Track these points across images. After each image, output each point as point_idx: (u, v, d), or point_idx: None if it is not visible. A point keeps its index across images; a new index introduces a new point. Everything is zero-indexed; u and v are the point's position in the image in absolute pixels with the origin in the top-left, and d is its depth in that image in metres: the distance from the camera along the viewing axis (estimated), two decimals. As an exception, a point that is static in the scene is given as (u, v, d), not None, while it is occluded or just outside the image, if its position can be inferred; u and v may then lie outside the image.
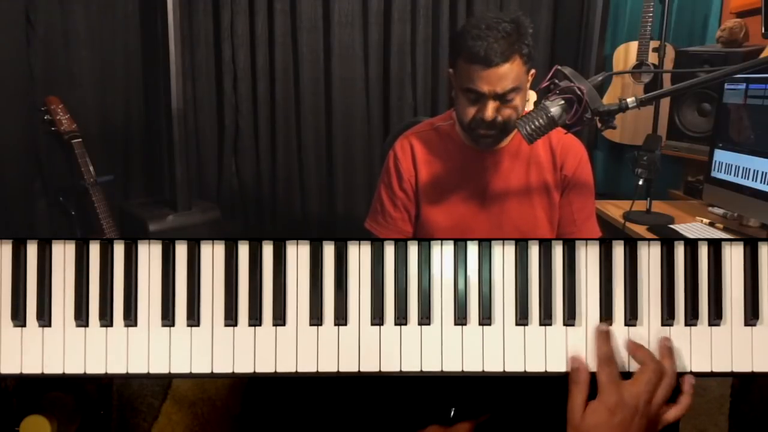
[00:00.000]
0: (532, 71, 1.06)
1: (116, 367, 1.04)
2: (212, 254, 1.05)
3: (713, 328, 1.06)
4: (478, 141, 1.09)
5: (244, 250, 1.05)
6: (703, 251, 1.07)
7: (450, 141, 1.11)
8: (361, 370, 1.05)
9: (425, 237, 1.10)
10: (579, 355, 1.03)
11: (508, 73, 1.03)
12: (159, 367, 1.04)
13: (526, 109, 1.10)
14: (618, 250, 1.07)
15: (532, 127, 1.01)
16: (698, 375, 1.07)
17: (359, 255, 1.06)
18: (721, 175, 1.14)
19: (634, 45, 1.16)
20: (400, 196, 1.10)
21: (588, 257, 1.07)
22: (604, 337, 1.02)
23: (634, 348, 1.02)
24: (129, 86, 1.05)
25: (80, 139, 1.08)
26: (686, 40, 1.16)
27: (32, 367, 1.03)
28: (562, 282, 1.06)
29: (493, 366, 1.05)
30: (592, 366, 1.02)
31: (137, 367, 1.04)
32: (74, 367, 1.03)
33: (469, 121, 1.07)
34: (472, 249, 1.07)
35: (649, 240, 1.08)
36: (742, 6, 1.13)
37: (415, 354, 1.05)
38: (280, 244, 1.05)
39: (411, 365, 1.05)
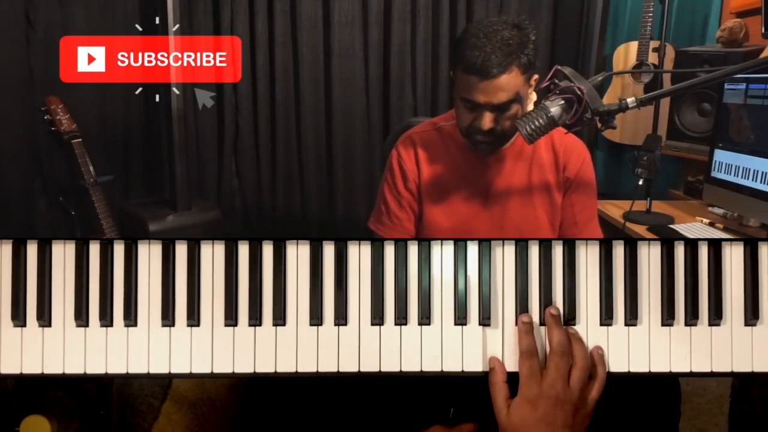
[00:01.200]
0: (535, 76, 1.06)
1: (116, 367, 1.04)
2: (212, 254, 1.05)
3: (713, 328, 1.06)
4: (477, 147, 1.09)
5: (244, 250, 1.06)
6: (703, 251, 1.07)
7: (452, 141, 1.11)
8: (361, 370, 1.05)
9: (426, 237, 1.10)
10: (495, 355, 1.04)
11: (506, 85, 1.03)
12: (159, 367, 1.04)
13: (526, 109, 1.10)
14: (618, 250, 1.07)
15: (532, 127, 1.01)
16: (698, 375, 1.07)
17: (359, 255, 1.06)
18: (721, 175, 1.13)
19: (634, 45, 1.16)
20: (406, 196, 1.10)
21: (588, 257, 1.07)
22: (526, 329, 1.02)
23: (550, 324, 1.03)
24: (129, 86, 1.06)
25: (80, 139, 1.08)
26: (686, 40, 1.16)
27: (32, 367, 1.04)
28: (562, 282, 1.06)
29: (493, 366, 1.05)
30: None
31: (137, 367, 1.04)
32: (74, 367, 1.04)
33: (466, 128, 1.08)
34: (473, 249, 1.07)
35: (649, 240, 1.08)
36: (742, 6, 1.13)
37: (415, 354, 1.05)
38: (280, 244, 1.06)
39: (411, 365, 1.05)
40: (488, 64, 1.01)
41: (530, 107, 1.08)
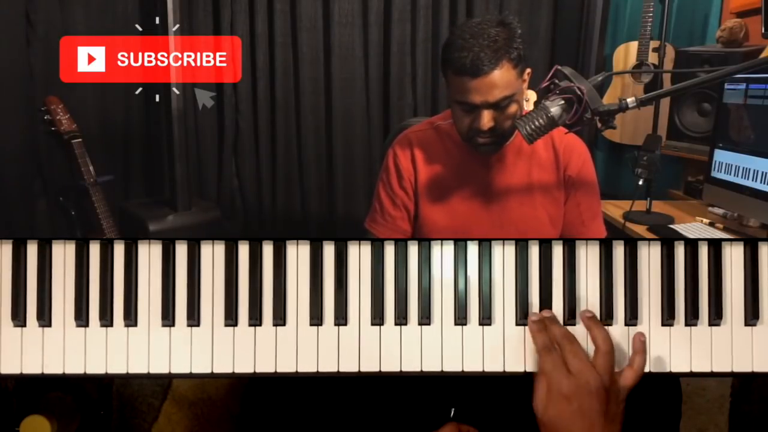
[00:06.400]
0: (528, 70, 1.06)
1: (116, 367, 1.04)
2: (212, 254, 1.05)
3: (713, 328, 1.06)
4: (478, 148, 1.09)
5: (244, 250, 1.06)
6: (703, 251, 1.07)
7: (449, 140, 1.11)
8: (361, 370, 1.05)
9: (424, 237, 1.10)
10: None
11: (498, 81, 1.02)
12: (159, 367, 1.04)
13: (526, 109, 1.10)
14: (618, 250, 1.07)
15: (532, 127, 1.01)
16: (698, 375, 1.07)
17: (359, 255, 1.06)
18: (721, 175, 1.13)
19: (634, 45, 1.16)
20: (400, 195, 1.10)
21: (588, 257, 1.07)
22: (538, 327, 1.02)
23: (590, 326, 1.03)
24: (129, 86, 1.06)
25: (80, 139, 1.08)
26: (686, 40, 1.16)
27: (32, 367, 1.04)
28: (562, 282, 1.06)
29: (493, 366, 1.05)
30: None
31: (137, 367, 1.04)
32: (74, 367, 1.03)
33: (466, 131, 1.07)
34: (472, 249, 1.07)
35: (649, 240, 1.08)
36: (742, 6, 1.13)
37: (415, 354, 1.05)
38: (280, 244, 1.05)
39: (411, 365, 1.05)
40: (478, 63, 1.01)
41: (530, 106, 1.08)
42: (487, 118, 1.04)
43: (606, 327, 1.05)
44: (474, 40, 1.01)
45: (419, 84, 1.15)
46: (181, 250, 1.05)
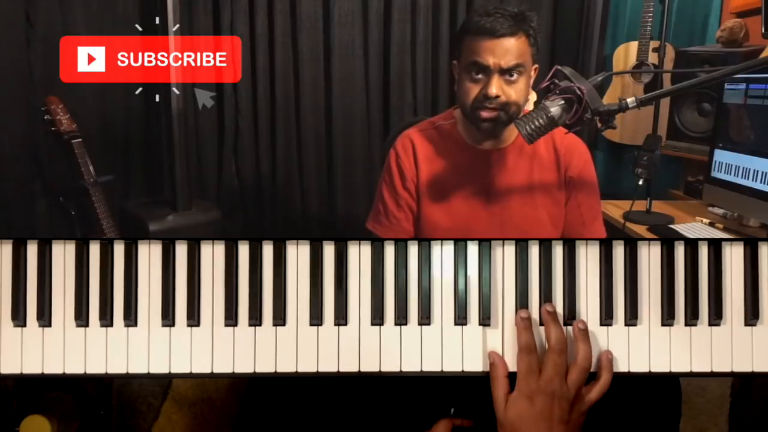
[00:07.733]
0: (536, 66, 1.06)
1: (116, 367, 1.04)
2: (212, 254, 1.05)
3: (713, 328, 1.06)
4: (481, 125, 1.08)
5: (244, 250, 1.06)
6: (703, 251, 1.07)
7: (451, 140, 1.11)
8: (361, 370, 1.05)
9: (426, 236, 1.10)
10: (495, 350, 1.04)
11: (514, 47, 1.04)
12: (159, 367, 1.04)
13: (526, 108, 1.10)
14: (618, 250, 1.07)
15: (532, 127, 1.01)
16: (698, 375, 1.07)
17: (359, 255, 1.06)
18: (721, 175, 1.13)
19: (634, 45, 1.16)
20: (404, 196, 1.10)
21: (588, 257, 1.07)
22: (525, 326, 1.02)
23: (548, 321, 1.03)
24: (129, 86, 1.06)
25: (80, 139, 1.08)
26: (686, 40, 1.16)
27: (32, 367, 1.04)
28: (562, 282, 1.06)
29: (493, 366, 1.05)
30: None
31: (137, 367, 1.04)
32: (74, 367, 1.04)
33: (472, 101, 1.07)
34: (473, 249, 1.07)
35: (649, 240, 1.08)
36: (742, 6, 1.13)
37: (415, 354, 1.05)
38: (280, 244, 1.06)
39: (411, 365, 1.05)
40: (497, 25, 1.04)
41: (530, 106, 1.08)
42: (496, 84, 1.05)
43: (606, 327, 1.05)
44: (497, 10, 1.05)
45: (419, 84, 1.15)
46: (181, 250, 1.05)
